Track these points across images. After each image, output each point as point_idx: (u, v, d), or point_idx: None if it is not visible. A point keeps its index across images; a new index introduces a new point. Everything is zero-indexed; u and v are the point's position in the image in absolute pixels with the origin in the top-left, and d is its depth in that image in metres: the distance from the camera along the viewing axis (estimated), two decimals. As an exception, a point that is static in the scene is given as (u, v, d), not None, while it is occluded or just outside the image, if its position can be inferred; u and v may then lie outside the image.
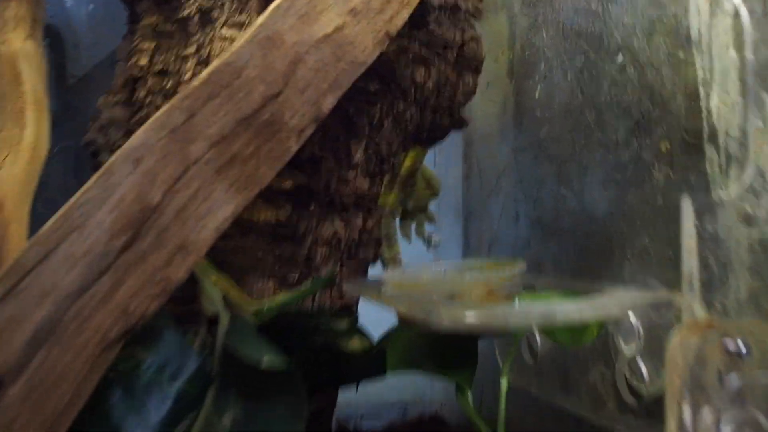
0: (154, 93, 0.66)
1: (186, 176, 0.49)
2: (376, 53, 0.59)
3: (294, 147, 0.53)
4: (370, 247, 0.73)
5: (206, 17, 0.66)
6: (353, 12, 0.58)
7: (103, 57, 1.02)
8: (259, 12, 0.66)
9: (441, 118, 0.76)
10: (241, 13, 0.66)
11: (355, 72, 0.57)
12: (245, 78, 0.52)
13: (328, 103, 0.55)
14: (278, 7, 0.55)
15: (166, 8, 0.67)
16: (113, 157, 0.47)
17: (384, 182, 0.75)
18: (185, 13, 0.66)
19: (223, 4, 0.66)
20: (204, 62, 0.65)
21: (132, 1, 0.71)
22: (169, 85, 0.65)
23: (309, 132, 0.54)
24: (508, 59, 0.81)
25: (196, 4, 0.66)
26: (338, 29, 0.57)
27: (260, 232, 0.64)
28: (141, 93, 0.66)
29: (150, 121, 0.49)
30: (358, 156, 0.69)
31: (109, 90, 0.71)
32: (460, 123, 0.77)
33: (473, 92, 0.76)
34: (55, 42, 1.03)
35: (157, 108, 0.64)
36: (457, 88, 0.75)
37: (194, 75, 0.65)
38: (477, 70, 0.76)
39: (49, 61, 0.99)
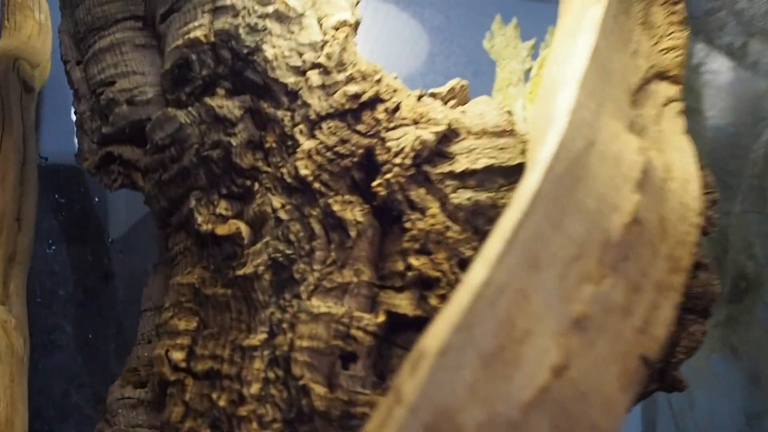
0: (198, 416, 0.38)
1: None
2: (626, 405, 0.29)
3: None
4: None
5: (283, 276, 0.38)
6: (579, 327, 0.29)
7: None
8: (371, 260, 0.38)
9: (648, 383, 0.46)
10: (342, 267, 0.38)
11: (595, 456, 0.28)
12: None
13: None
14: (443, 351, 0.26)
15: (216, 254, 0.40)
16: None
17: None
18: (249, 268, 0.38)
19: (311, 252, 0.38)
20: (281, 363, 0.37)
21: (163, 224, 0.44)
22: (221, 401, 0.37)
23: None
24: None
25: (267, 253, 0.38)
26: (558, 372, 0.28)
27: None
28: (175, 410, 0.38)
29: None
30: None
31: (127, 372, 0.43)
32: (673, 386, 0.47)
33: (699, 345, 0.46)
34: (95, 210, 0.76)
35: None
36: (677, 341, 0.44)
37: (264, 386, 0.37)
38: (707, 313, 0.46)
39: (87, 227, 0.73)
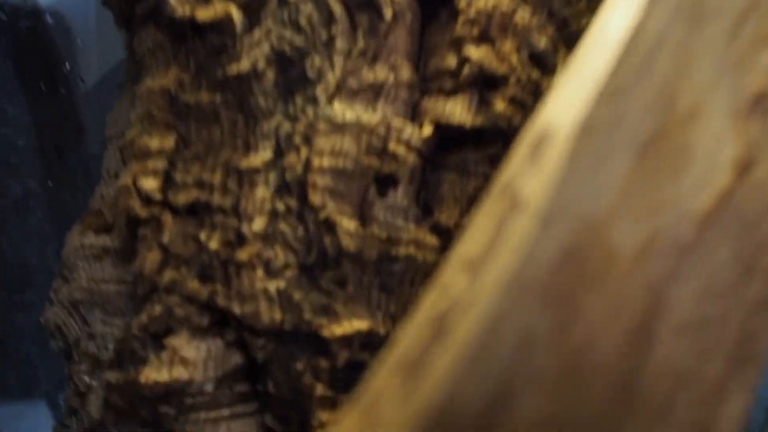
0: (182, 264, 0.28)
1: None
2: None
3: None
4: None
5: (293, 74, 0.28)
6: (760, 107, 0.19)
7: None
8: (411, 55, 0.28)
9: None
10: (374, 61, 0.28)
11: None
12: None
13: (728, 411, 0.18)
14: (584, 130, 0.16)
15: (198, 49, 0.29)
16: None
17: None
18: (244, 64, 0.28)
19: (330, 41, 0.27)
20: (294, 189, 0.27)
21: (126, 21, 0.32)
22: (212, 243, 0.27)
23: None
24: None
25: (269, 42, 0.27)
26: (741, 169, 0.18)
27: None
28: (149, 257, 0.28)
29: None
30: None
31: (89, 216, 0.33)
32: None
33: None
34: (59, 34, 0.63)
35: (187, 300, 0.27)
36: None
37: (271, 221, 0.27)
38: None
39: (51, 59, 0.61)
